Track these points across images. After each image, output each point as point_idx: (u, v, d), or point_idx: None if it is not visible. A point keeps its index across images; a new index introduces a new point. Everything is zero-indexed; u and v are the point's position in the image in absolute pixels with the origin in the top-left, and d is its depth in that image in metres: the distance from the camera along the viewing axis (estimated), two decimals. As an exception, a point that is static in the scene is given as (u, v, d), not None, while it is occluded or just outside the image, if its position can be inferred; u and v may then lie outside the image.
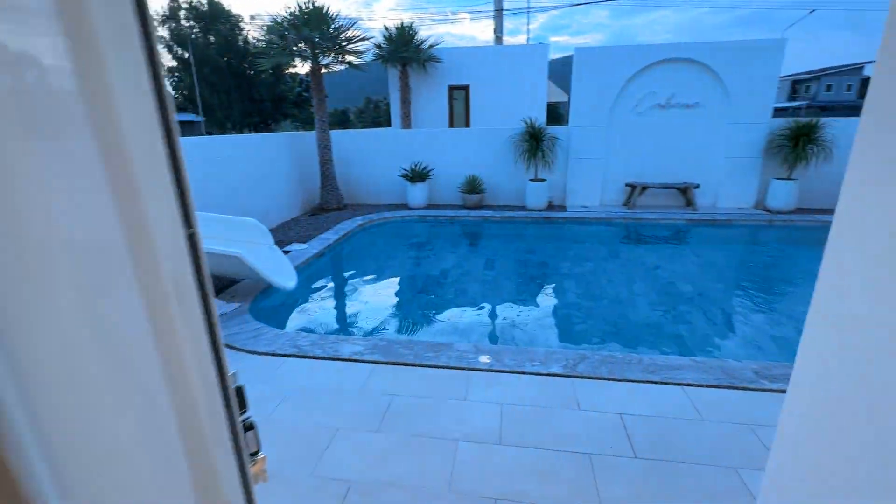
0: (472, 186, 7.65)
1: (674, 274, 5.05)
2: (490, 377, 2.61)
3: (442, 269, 5.33)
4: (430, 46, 9.85)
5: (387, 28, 9.49)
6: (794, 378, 0.99)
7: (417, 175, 7.66)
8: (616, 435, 2.11)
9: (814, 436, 0.90)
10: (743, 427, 2.15)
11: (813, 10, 25.51)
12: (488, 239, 6.64)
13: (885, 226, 0.71)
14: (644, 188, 7.31)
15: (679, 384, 2.49)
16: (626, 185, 7.51)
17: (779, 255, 5.86)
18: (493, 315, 4.04)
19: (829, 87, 46.89)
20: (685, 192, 7.27)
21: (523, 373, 2.64)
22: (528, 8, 15.59)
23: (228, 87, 25.28)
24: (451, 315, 4.01)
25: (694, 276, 5.00)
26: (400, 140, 8.16)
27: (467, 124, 10.82)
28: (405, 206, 7.92)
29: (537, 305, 4.29)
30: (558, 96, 13.61)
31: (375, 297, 4.48)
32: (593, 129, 7.36)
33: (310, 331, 3.66)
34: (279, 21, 6.52)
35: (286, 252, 5.18)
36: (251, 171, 6.31)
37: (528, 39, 19.70)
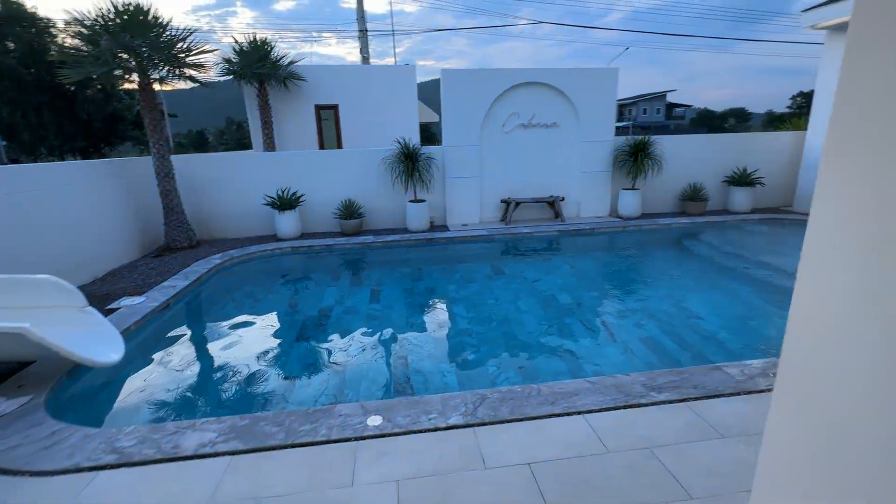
0: (349, 211, 7.17)
1: (553, 286, 5.23)
2: (381, 445, 2.20)
3: (322, 307, 4.75)
4: (291, 63, 9.15)
5: (237, 41, 8.53)
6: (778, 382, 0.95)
7: (286, 202, 6.90)
8: (528, 493, 1.88)
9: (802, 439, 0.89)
10: (644, 452, 2.09)
11: (627, 48, 30.94)
12: (372, 267, 6.22)
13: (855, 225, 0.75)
14: (518, 203, 7.64)
15: (580, 412, 2.39)
16: (502, 201, 7.79)
17: (635, 257, 6.53)
18: (382, 356, 3.63)
19: (644, 111, 56.96)
20: (553, 204, 7.79)
21: (420, 431, 2.29)
22: (393, 30, 15.78)
23: (38, 104, 20.62)
24: (334, 364, 3.50)
25: (571, 286, 5.25)
26: (264, 164, 7.30)
27: (339, 146, 10.30)
28: (274, 238, 7.07)
29: (429, 338, 4.00)
30: (430, 117, 13.91)
31: (238, 356, 3.72)
32: (466, 149, 7.49)
33: (143, 421, 2.81)
34: (88, 24, 5.29)
35: (111, 311, 4.08)
36: (60, 209, 4.95)
37: (395, 62, 19.94)
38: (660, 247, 6.89)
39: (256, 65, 8.38)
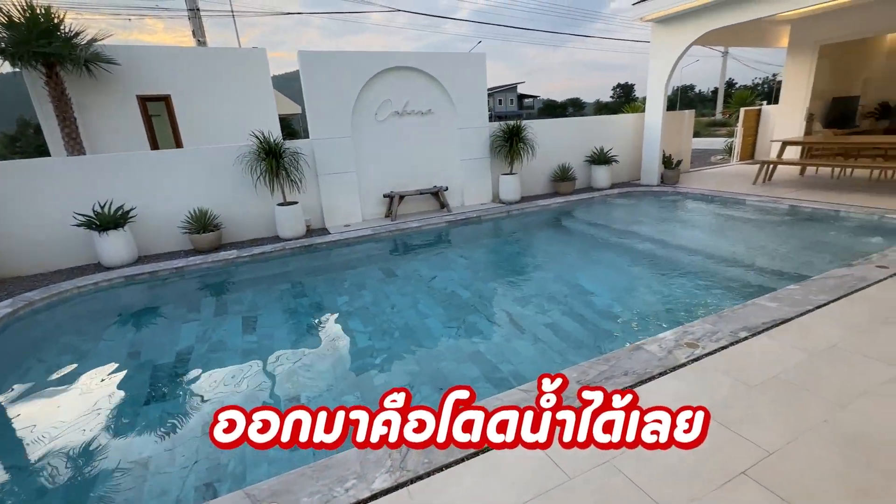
0: (202, 223, 5.90)
1: (450, 282, 4.93)
2: (285, 553, 1.56)
3: (178, 350, 3.69)
4: (93, 40, 7.15)
5: (1, 10, 6.24)
6: None
7: (108, 220, 5.36)
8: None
9: None
10: (606, 468, 1.84)
11: (480, 41, 32.63)
12: (240, 288, 5.17)
13: None
14: (402, 197, 7.18)
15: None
16: (384, 195, 7.24)
17: (524, 241, 6.61)
18: (268, 401, 2.86)
19: (500, 101, 61.07)
20: (437, 195, 7.52)
21: (336, 514, 1.70)
22: (232, 11, 13.76)
23: None
24: (195, 434, 2.63)
25: (469, 280, 5.01)
26: (72, 173, 5.55)
27: (178, 145, 8.55)
28: (98, 267, 5.47)
29: (325, 368, 3.33)
30: (291, 108, 12.54)
31: (51, 444, 2.59)
32: (338, 141, 6.74)
33: None
34: None
35: None
36: None
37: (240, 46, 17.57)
38: (543, 228, 7.11)
39: (38, 42, 6.28)
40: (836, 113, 10.29)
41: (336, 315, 4.32)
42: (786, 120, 10.21)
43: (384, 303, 4.40)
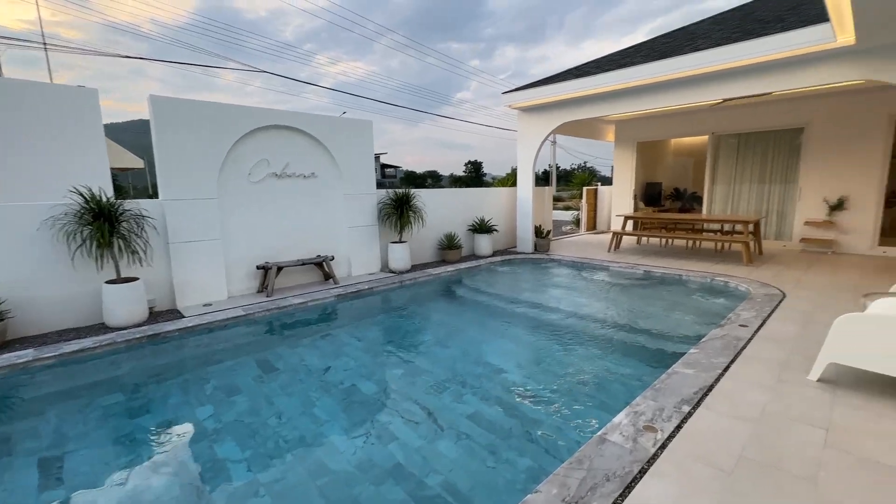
0: (-26, 313, 4.05)
1: (348, 372, 4.15)
2: None
3: None
4: None
5: None
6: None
7: None
8: None
9: None
10: None
11: (345, 112, 33.49)
12: (37, 410, 3.52)
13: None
14: (280, 268, 6.19)
15: None
16: (258, 267, 6.15)
17: (421, 315, 6.18)
18: None
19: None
20: (322, 265, 6.72)
21: None
22: (45, 44, 11.28)
23: None
24: None
25: (369, 367, 4.32)
26: None
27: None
28: None
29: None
30: (128, 161, 10.39)
31: None
32: (199, 203, 5.59)
33: None
34: None
35: None
36: None
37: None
38: (439, 299, 6.82)
39: None
40: (649, 194, 12.83)
41: (197, 437, 3.14)
42: (619, 198, 12.30)
43: (266, 411, 3.40)
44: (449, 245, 8.51)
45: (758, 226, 8.33)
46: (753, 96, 7.33)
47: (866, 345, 2.96)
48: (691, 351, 3.78)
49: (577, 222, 14.65)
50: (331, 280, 6.72)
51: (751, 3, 8.48)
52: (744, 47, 6.03)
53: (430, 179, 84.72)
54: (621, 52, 8.78)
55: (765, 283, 6.09)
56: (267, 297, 5.93)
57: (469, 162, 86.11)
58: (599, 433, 2.54)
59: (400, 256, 7.50)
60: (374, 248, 7.54)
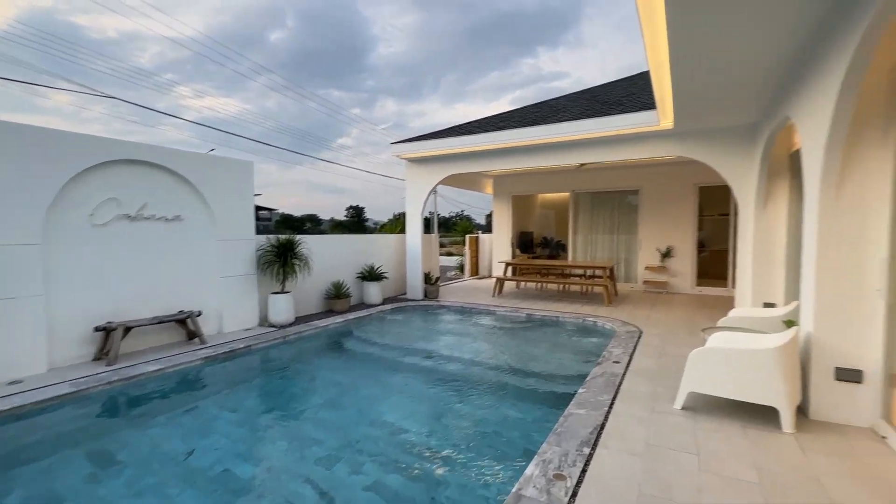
0: None
1: (219, 453, 3.48)
2: None
3: None
4: None
5: None
6: None
7: None
8: None
9: None
10: None
11: (213, 149, 30.91)
12: None
13: None
14: (128, 329, 5.10)
15: None
16: (96, 329, 4.97)
17: (307, 373, 5.61)
18: None
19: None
20: (185, 322, 5.73)
21: None
22: None
23: None
24: None
25: (246, 443, 3.70)
26: None
27: None
28: None
29: None
30: None
31: None
32: (13, 250, 4.39)
33: None
34: None
35: None
36: None
37: None
38: (327, 354, 6.31)
39: None
40: (523, 242, 14.10)
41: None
42: (499, 245, 13.25)
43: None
44: (337, 294, 8.06)
45: (612, 271, 9.66)
46: (603, 162, 8.73)
47: (713, 374, 3.51)
48: (580, 391, 4.05)
49: (461, 268, 15.29)
50: (197, 339, 5.75)
51: (595, 87, 10.29)
52: (595, 123, 7.19)
53: (310, 223, 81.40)
54: (499, 116, 9.78)
55: (625, 322, 6.98)
56: (108, 365, 4.78)
57: (351, 206, 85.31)
58: (515, 489, 2.49)
59: (282, 308, 6.82)
60: (252, 299, 6.75)
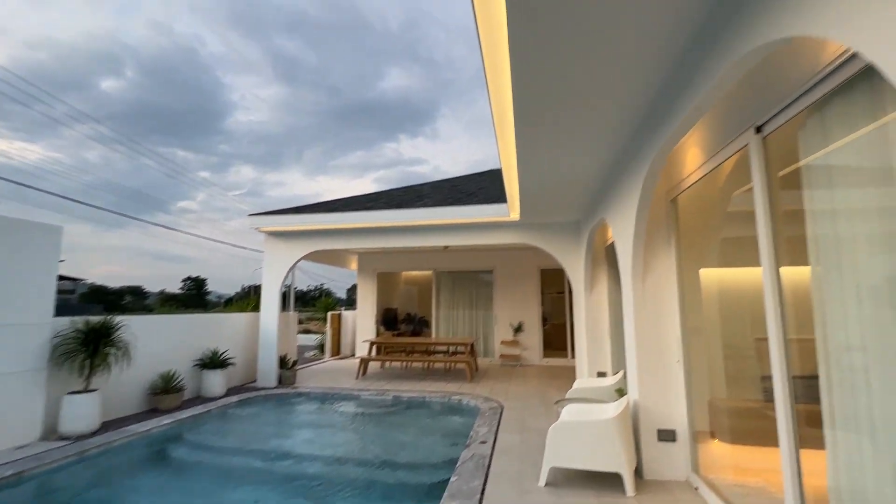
0: None
1: None
2: None
3: None
4: None
5: None
6: None
7: None
8: None
9: None
10: None
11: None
12: None
13: None
14: None
15: None
16: None
17: (115, 502, 4.32)
18: None
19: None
20: None
21: None
22: None
23: None
24: None
25: None
26: None
27: None
28: None
29: None
30: None
31: None
32: None
33: None
34: None
35: None
36: None
37: None
38: (143, 470, 5.00)
39: None
40: (386, 319, 14.01)
41: None
42: (363, 323, 12.88)
43: None
44: (165, 388, 6.64)
45: (473, 346, 10.16)
46: (462, 245, 9.50)
47: (569, 447, 3.80)
48: (452, 479, 3.94)
49: (321, 348, 14.27)
50: (-73, 472, 3.99)
51: (454, 178, 11.51)
52: (456, 210, 7.91)
53: (131, 296, 68.06)
54: (368, 196, 10.04)
55: (487, 398, 7.25)
56: None
57: (189, 277, 74.51)
58: None
59: (83, 413, 5.29)
60: (35, 403, 5.10)
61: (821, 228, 2.04)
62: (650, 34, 2.33)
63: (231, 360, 8.00)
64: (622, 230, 4.37)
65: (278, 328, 8.79)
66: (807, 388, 2.29)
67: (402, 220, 8.14)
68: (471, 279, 12.48)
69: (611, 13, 2.16)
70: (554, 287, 12.43)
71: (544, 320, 12.02)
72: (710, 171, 3.19)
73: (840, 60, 1.77)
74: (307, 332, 22.13)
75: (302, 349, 15.56)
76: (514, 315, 11.70)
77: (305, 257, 9.25)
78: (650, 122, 3.25)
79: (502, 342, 11.56)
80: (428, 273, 13.18)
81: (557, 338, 12.02)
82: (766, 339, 2.51)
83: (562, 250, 7.77)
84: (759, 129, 2.45)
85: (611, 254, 6.35)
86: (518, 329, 11.55)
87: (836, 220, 1.97)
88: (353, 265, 13.62)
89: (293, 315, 10.77)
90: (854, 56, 1.69)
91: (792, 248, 2.37)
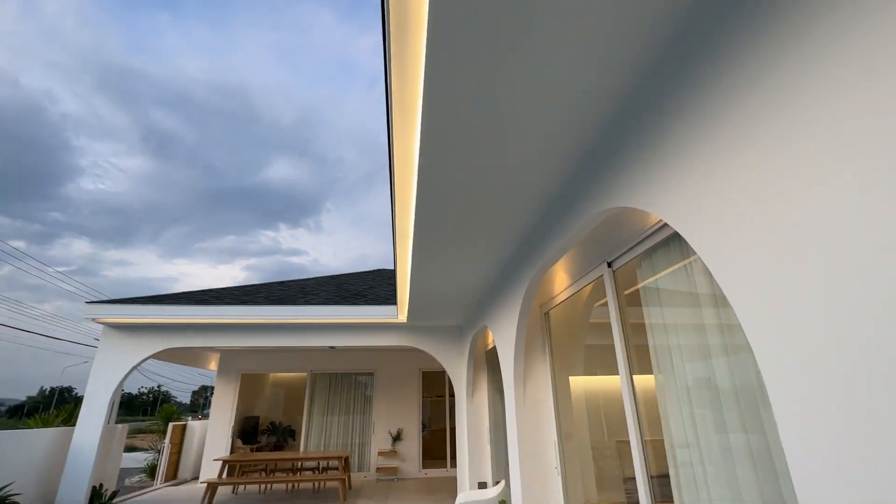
0: None
1: None
2: None
3: None
4: None
5: None
6: None
7: None
8: None
9: None
10: None
11: None
12: None
13: None
14: None
15: None
16: None
17: None
18: None
19: None
20: None
21: None
22: None
23: None
24: None
25: None
26: None
27: None
28: None
29: None
30: None
31: None
32: None
33: None
34: None
35: None
36: None
37: None
38: None
39: None
40: (245, 430, 12.10)
41: None
42: (215, 435, 10.87)
43: None
44: None
45: (348, 460, 9.23)
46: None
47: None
48: None
49: (151, 470, 11.43)
50: None
51: (340, 275, 11.38)
52: (344, 310, 7.76)
53: None
54: (243, 289, 9.26)
55: (363, 522, 6.48)
56: None
57: (-44, 378, 55.20)
58: None
59: None
60: None
61: (658, 339, 2.59)
62: (526, 193, 2.93)
63: (14, 498, 5.95)
64: (504, 338, 4.77)
65: (98, 448, 6.96)
66: (662, 487, 2.65)
67: (285, 317, 7.64)
68: (350, 382, 11.77)
69: (501, 185, 2.69)
70: (434, 390, 12.36)
71: (424, 426, 11.65)
72: (575, 292, 3.83)
73: (661, 223, 2.46)
74: (132, 448, 17.66)
75: (125, 474, 12.32)
76: (393, 421, 11.14)
77: (157, 356, 7.86)
78: (529, 249, 3.86)
79: (380, 453, 10.75)
80: (300, 375, 12.09)
81: (437, 445, 11.63)
82: (627, 442, 2.89)
83: (445, 353, 7.98)
84: (610, 265, 3.12)
85: (491, 358, 6.75)
86: (397, 437, 10.94)
87: (666, 332, 2.54)
88: (213, 365, 11.89)
89: (121, 429, 8.67)
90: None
91: (641, 357, 2.91)
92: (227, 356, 11.55)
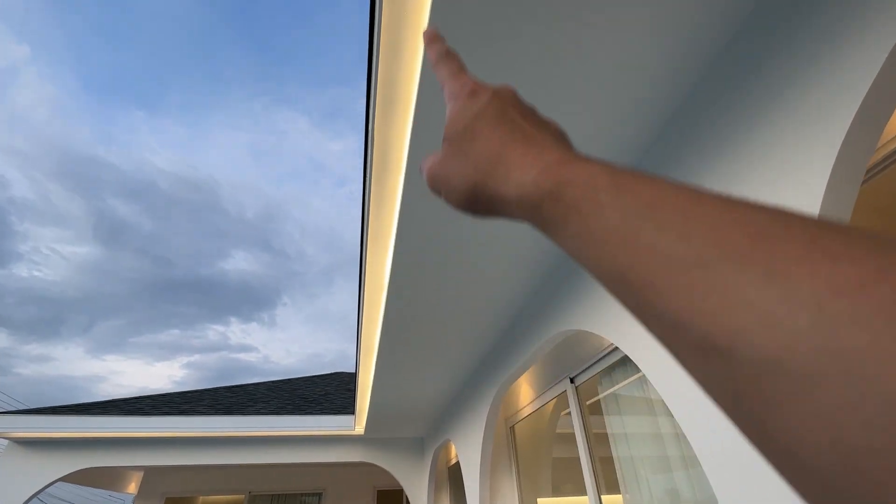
0: None
1: None
2: None
3: None
4: None
5: None
6: None
7: None
8: None
9: None
10: None
11: None
12: None
13: None
14: None
15: None
16: None
17: None
18: None
19: None
20: None
21: None
22: None
23: None
24: None
25: None
26: None
27: None
28: None
29: None
30: None
31: None
32: None
33: None
34: None
35: None
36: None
37: None
38: None
39: None
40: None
41: None
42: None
43: None
44: None
45: None
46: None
47: None
48: None
49: None
50: None
51: (295, 379, 10.70)
52: (299, 420, 7.18)
53: None
54: (182, 395, 8.45)
55: None
56: None
57: None
58: None
59: None
60: None
61: (621, 451, 2.61)
62: (493, 311, 3.11)
63: None
64: (469, 455, 4.56)
65: None
66: None
67: (233, 429, 6.92)
68: (295, 503, 10.38)
69: (469, 301, 2.88)
70: (390, 512, 11.07)
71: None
72: (540, 407, 3.84)
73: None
74: None
75: None
76: (341, 554, 9.69)
77: (68, 478, 6.74)
78: (494, 363, 3.92)
79: None
80: (237, 498, 10.58)
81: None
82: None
83: (405, 470, 7.38)
84: (572, 380, 3.22)
85: (455, 475, 6.30)
86: (344, 575, 9.44)
87: (628, 443, 2.58)
88: (132, 487, 10.25)
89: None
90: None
91: (606, 469, 2.88)
92: (152, 475, 10.04)
